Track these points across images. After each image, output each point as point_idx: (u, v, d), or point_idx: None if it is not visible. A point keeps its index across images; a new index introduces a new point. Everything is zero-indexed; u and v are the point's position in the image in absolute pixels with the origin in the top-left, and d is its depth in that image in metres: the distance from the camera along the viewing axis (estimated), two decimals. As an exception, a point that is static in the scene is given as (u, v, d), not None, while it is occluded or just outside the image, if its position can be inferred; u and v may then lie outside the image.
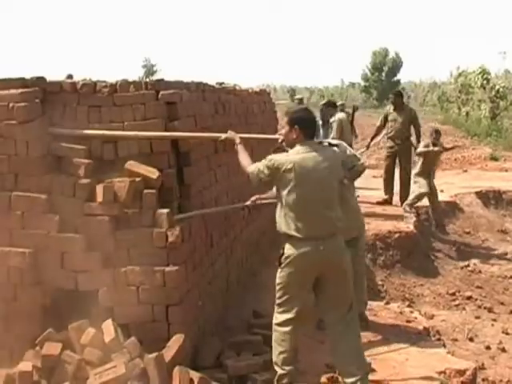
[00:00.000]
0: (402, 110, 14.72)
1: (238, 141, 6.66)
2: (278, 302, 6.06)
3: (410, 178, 14.66)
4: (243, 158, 6.47)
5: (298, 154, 5.90)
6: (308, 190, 5.82)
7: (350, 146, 13.65)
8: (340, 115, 14.80)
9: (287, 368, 6.01)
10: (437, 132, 14.33)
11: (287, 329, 6.00)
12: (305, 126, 6.01)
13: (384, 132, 15.32)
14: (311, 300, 6.18)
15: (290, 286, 5.95)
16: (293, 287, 5.95)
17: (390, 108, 15.15)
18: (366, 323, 7.62)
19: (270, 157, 6.00)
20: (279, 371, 6.02)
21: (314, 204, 5.84)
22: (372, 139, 15.89)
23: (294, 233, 5.84)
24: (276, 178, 5.91)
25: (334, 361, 6.27)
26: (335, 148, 6.89)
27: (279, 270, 6.00)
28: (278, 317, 6.07)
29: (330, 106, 15.11)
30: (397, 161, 14.95)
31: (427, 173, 14.07)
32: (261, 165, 6.03)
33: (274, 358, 6.07)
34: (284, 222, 5.93)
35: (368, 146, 16.36)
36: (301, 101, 18.22)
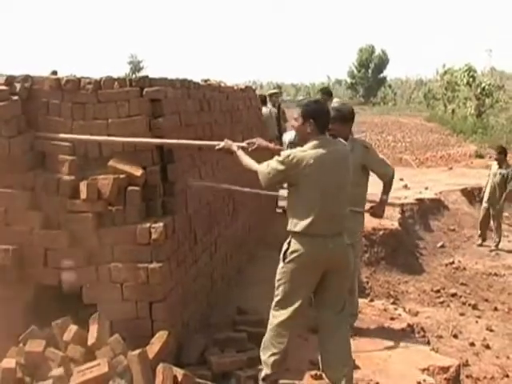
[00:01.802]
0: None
1: (235, 149, 6.41)
2: (277, 299, 5.96)
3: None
4: (246, 159, 6.25)
5: (315, 149, 5.74)
6: (324, 186, 5.70)
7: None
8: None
9: (276, 369, 5.96)
10: None
11: (286, 332, 5.92)
12: (320, 118, 5.84)
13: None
14: (309, 300, 6.12)
15: (292, 282, 5.83)
16: (295, 284, 5.83)
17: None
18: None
19: (285, 152, 5.83)
20: (266, 371, 5.97)
21: (327, 200, 5.73)
22: None
23: (304, 229, 5.72)
24: (292, 173, 5.74)
25: (321, 357, 6.12)
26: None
27: (281, 265, 5.89)
28: (276, 315, 5.96)
29: (326, 95, 14.96)
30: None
31: None
32: (273, 162, 5.83)
33: (264, 358, 6.00)
34: (294, 216, 5.80)
35: None
36: (275, 94, 17.84)
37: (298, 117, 5.91)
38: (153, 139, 6.44)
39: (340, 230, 5.86)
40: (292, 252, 5.79)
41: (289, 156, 5.72)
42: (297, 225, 5.77)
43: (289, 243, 5.84)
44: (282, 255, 5.89)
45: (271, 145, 6.79)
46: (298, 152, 5.77)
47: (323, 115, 5.91)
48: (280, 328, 5.93)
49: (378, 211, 7.51)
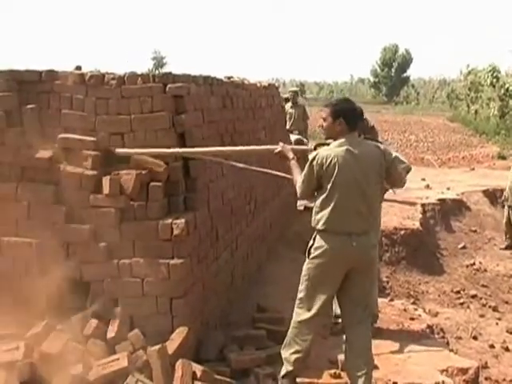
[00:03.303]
0: None
1: (291, 156, 6.35)
2: (300, 295, 5.98)
3: None
4: (296, 174, 6.19)
5: (341, 147, 5.77)
6: (348, 184, 5.71)
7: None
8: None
9: (297, 366, 5.99)
10: None
11: (309, 329, 5.94)
12: (349, 117, 5.87)
13: None
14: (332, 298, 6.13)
15: (316, 278, 5.85)
16: (319, 280, 5.85)
17: None
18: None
19: (311, 155, 5.87)
20: (287, 367, 6.00)
21: (352, 198, 5.74)
22: None
23: (328, 225, 5.73)
24: (320, 174, 5.76)
25: (345, 354, 6.11)
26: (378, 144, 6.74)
27: (306, 262, 5.91)
28: (299, 313, 5.98)
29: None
30: None
31: None
32: (304, 172, 5.89)
33: (286, 354, 6.02)
34: (320, 214, 5.80)
35: None
36: (295, 93, 17.88)
37: (327, 116, 5.94)
38: (195, 149, 6.51)
39: (366, 228, 5.84)
40: (316, 248, 5.81)
41: (314, 157, 5.77)
42: (320, 222, 5.79)
43: (314, 239, 5.87)
44: (307, 251, 5.91)
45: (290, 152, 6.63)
46: (322, 151, 5.81)
47: (353, 113, 5.95)
48: (303, 326, 5.95)
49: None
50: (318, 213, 5.85)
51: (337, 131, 5.87)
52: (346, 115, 5.86)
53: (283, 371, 6.03)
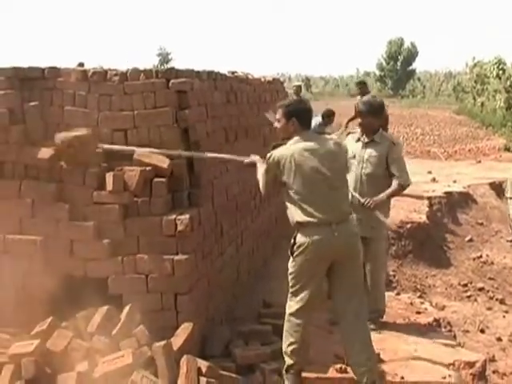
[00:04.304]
0: None
1: (258, 164, 6.39)
2: (291, 290, 6.03)
3: None
4: (260, 170, 6.28)
5: (296, 143, 5.90)
6: (311, 176, 5.79)
7: None
8: None
9: (296, 358, 6.02)
10: None
11: (300, 320, 5.98)
12: (302, 117, 6.01)
13: None
14: (322, 287, 6.14)
15: (302, 274, 5.91)
16: (305, 276, 5.91)
17: None
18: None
19: (268, 155, 5.97)
20: (288, 361, 6.04)
21: (319, 187, 5.81)
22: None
23: (307, 218, 5.78)
24: (277, 172, 5.89)
25: (345, 351, 6.22)
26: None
27: (291, 260, 5.97)
28: (291, 305, 6.04)
29: (361, 84, 15.34)
30: None
31: None
32: (262, 171, 6.09)
33: (284, 348, 6.08)
34: (294, 211, 5.88)
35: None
36: (299, 88, 17.89)
37: (281, 117, 6.08)
38: (182, 152, 6.49)
39: (343, 217, 5.92)
40: (298, 246, 5.86)
41: (269, 157, 5.93)
42: (297, 216, 5.86)
43: (294, 238, 5.92)
44: (289, 251, 5.97)
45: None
46: (276, 151, 5.95)
47: (305, 113, 6.09)
48: (294, 317, 6.01)
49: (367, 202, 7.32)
50: (291, 210, 5.94)
51: (290, 131, 6.01)
52: (299, 115, 6.00)
53: (285, 365, 6.07)
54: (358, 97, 15.27)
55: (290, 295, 6.07)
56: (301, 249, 5.84)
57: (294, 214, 5.89)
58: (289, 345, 6.03)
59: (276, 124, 6.19)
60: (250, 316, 7.49)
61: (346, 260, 5.97)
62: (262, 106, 9.67)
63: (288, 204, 5.97)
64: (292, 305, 6.03)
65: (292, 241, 5.94)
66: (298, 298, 5.96)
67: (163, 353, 5.67)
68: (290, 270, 5.99)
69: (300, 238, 5.85)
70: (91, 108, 6.52)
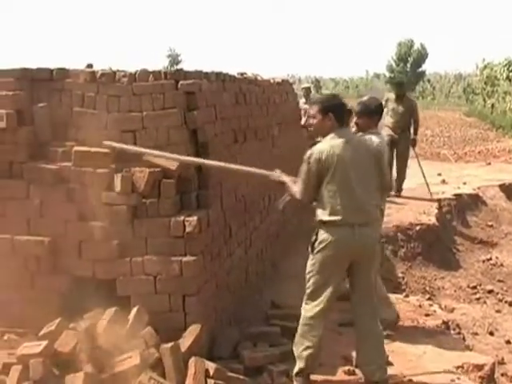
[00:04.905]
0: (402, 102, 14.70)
1: (289, 183, 6.22)
2: (308, 291, 5.98)
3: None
4: (293, 188, 6.14)
5: (334, 140, 5.82)
6: (348, 174, 5.75)
7: None
8: None
9: (310, 363, 5.98)
10: None
11: (319, 324, 5.94)
12: (338, 112, 5.92)
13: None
14: (340, 288, 6.10)
15: (322, 273, 5.86)
16: (326, 273, 5.86)
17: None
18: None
19: (306, 154, 5.88)
20: (301, 365, 5.98)
21: (351, 190, 5.76)
22: None
23: (332, 217, 5.75)
24: (320, 166, 5.76)
25: (356, 350, 6.21)
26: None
27: (310, 257, 5.94)
28: (308, 308, 5.98)
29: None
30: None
31: None
32: (302, 173, 5.93)
33: (298, 352, 6.01)
34: (322, 207, 5.83)
35: None
36: (308, 89, 17.85)
37: (316, 113, 5.99)
38: (205, 160, 6.48)
39: (367, 220, 5.87)
40: (320, 242, 5.83)
41: (309, 157, 5.83)
42: (322, 215, 5.82)
43: (316, 234, 5.88)
44: (310, 247, 5.94)
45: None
46: (315, 147, 5.86)
47: (341, 108, 6.00)
48: (312, 321, 5.94)
49: None
50: (319, 207, 5.88)
51: (327, 127, 5.93)
52: (335, 111, 5.92)
53: (296, 369, 6.01)
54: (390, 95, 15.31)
55: (306, 297, 6.01)
56: (322, 245, 5.81)
57: (320, 211, 5.85)
58: (304, 349, 5.96)
59: (311, 121, 6.13)
60: (259, 318, 7.47)
61: (364, 261, 5.95)
62: (271, 107, 9.66)
63: (320, 200, 5.89)
64: (310, 308, 5.97)
65: (313, 237, 5.90)
66: (317, 299, 5.90)
67: (171, 354, 5.66)
68: (309, 268, 5.96)
69: (323, 235, 5.81)
70: (100, 109, 6.51)
